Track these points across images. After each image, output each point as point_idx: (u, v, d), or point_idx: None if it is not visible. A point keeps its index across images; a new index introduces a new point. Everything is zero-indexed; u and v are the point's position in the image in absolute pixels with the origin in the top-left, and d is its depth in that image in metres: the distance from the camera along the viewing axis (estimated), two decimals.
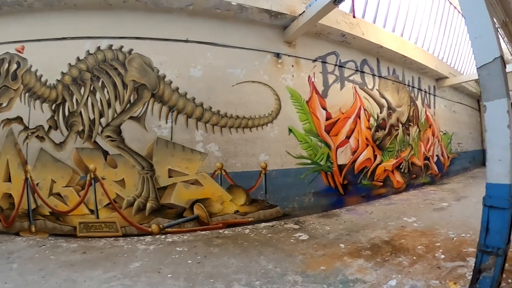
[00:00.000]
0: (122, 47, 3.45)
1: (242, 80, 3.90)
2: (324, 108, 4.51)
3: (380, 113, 5.40)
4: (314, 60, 4.56)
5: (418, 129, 6.54)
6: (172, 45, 3.61)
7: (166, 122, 3.51)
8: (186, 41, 3.68)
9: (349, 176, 4.70)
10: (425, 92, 7.04)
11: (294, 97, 4.27)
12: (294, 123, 4.21)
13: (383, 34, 5.31)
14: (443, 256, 2.50)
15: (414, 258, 2.50)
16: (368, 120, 5.12)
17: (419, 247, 2.75)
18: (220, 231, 3.55)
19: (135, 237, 3.28)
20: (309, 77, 4.45)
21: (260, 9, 3.78)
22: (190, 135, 3.59)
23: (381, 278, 2.14)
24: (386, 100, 5.59)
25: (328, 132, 4.47)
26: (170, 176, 3.46)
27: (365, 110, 5.08)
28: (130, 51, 3.46)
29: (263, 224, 3.78)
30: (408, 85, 6.40)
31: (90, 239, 3.23)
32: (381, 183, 5.29)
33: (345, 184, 4.63)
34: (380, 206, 4.64)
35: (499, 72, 1.75)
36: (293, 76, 4.31)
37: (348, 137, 4.70)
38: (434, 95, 7.46)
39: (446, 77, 7.38)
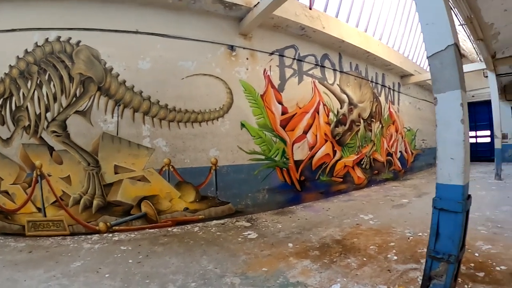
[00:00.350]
0: (70, 38, 3.38)
1: (193, 73, 3.91)
2: (280, 103, 4.65)
3: (341, 108, 5.70)
4: (271, 53, 4.67)
5: (380, 125, 7.00)
6: (121, 36, 3.57)
7: (112, 117, 3.48)
8: (136, 32, 3.64)
9: (306, 172, 4.91)
10: (389, 88, 7.54)
11: (248, 91, 4.36)
12: (247, 117, 4.30)
13: (346, 28, 5.57)
14: (395, 258, 2.49)
15: (364, 259, 2.49)
16: (328, 115, 5.37)
17: (371, 247, 2.76)
18: (169, 229, 3.59)
19: (83, 236, 3.31)
20: (264, 70, 4.56)
21: (214, 0, 3.80)
22: (136, 130, 3.57)
23: (325, 282, 2.10)
24: (347, 96, 5.91)
25: (284, 127, 4.63)
26: (116, 173, 3.44)
27: (324, 105, 5.33)
28: (78, 43, 3.40)
29: (214, 222, 3.85)
30: (372, 81, 6.80)
31: (38, 238, 3.23)
32: (341, 179, 5.61)
33: (302, 180, 4.84)
34: (338, 202, 4.89)
35: (452, 61, 1.65)
36: (247, 69, 4.39)
37: (305, 132, 4.91)
38: (399, 92, 8.02)
39: (411, 74, 7.95)
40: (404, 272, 2.21)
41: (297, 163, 4.78)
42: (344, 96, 5.82)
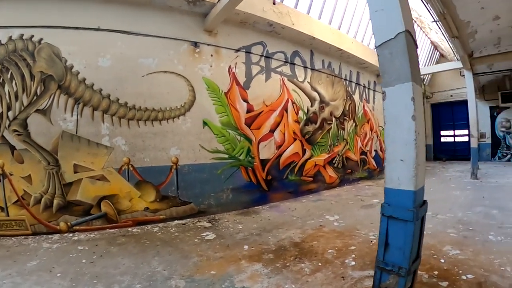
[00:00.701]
0: (32, 36, 3.44)
1: (154, 70, 4.01)
2: (245, 100, 4.83)
3: (311, 106, 5.97)
4: (237, 50, 4.82)
5: (354, 124, 7.39)
6: (82, 34, 3.64)
7: (72, 115, 3.56)
8: (98, 29, 3.72)
9: (273, 171, 5.14)
10: (364, 87, 7.94)
11: (211, 88, 4.49)
12: (209, 115, 4.44)
13: (317, 25, 5.82)
14: (353, 263, 2.48)
15: (319, 264, 2.49)
16: (297, 114, 5.62)
17: (330, 250, 2.77)
18: (129, 229, 3.70)
19: (44, 236, 3.43)
20: (230, 67, 4.70)
21: None
22: (95, 129, 3.67)
23: None
24: (319, 94, 6.19)
25: (249, 125, 4.81)
26: (75, 172, 3.54)
27: (293, 103, 5.57)
28: (40, 41, 3.47)
29: (175, 222, 3.97)
30: (345, 79, 7.15)
31: (1, 237, 3.31)
32: (311, 178, 5.89)
33: (269, 179, 5.06)
34: (307, 202, 5.10)
35: (403, 50, 1.57)
36: (211, 66, 4.51)
37: (272, 131, 5.12)
38: (374, 90, 8.46)
39: None
40: (359, 280, 2.17)
41: (264, 162, 4.98)
42: (315, 94, 6.09)
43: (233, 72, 4.72)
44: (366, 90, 8.05)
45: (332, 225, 3.64)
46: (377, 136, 8.48)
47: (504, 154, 10.22)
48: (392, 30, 1.62)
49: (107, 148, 3.72)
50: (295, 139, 5.52)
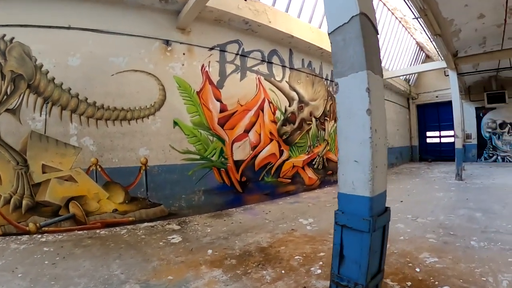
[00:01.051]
0: (4, 35, 3.55)
1: (124, 69, 4.15)
2: (219, 100, 5.01)
3: (289, 106, 6.23)
4: (211, 48, 4.99)
5: (335, 124, 7.71)
6: (53, 32, 3.79)
7: (41, 115, 3.70)
8: (69, 28, 3.86)
9: (248, 172, 5.35)
10: None
11: (183, 87, 4.65)
12: (180, 115, 4.60)
13: (296, 23, 6.06)
14: (319, 271, 2.46)
15: (283, 272, 2.48)
16: (274, 113, 5.86)
17: (297, 257, 2.75)
18: (97, 231, 3.83)
19: (14, 236, 3.53)
20: (202, 66, 4.88)
21: None
22: (64, 128, 3.81)
23: None
24: (298, 93, 6.46)
25: (222, 125, 4.99)
26: (44, 172, 3.67)
27: (270, 102, 5.80)
28: (11, 40, 3.58)
29: (144, 224, 4.11)
30: (326, 79, 7.47)
31: None
32: (289, 180, 6.14)
33: (244, 181, 5.26)
34: (283, 204, 5.29)
35: (357, 35, 1.48)
36: (183, 64, 4.67)
37: (247, 131, 5.33)
38: None
39: None
40: None
41: (238, 163, 5.19)
42: (293, 94, 6.36)
43: (206, 71, 4.90)
44: None
45: (304, 229, 3.71)
46: None
47: (490, 155, 10.85)
48: (345, 13, 1.52)
49: (75, 148, 3.86)
50: (271, 140, 5.74)
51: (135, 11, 4.30)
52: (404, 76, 12.01)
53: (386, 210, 1.67)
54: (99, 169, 3.97)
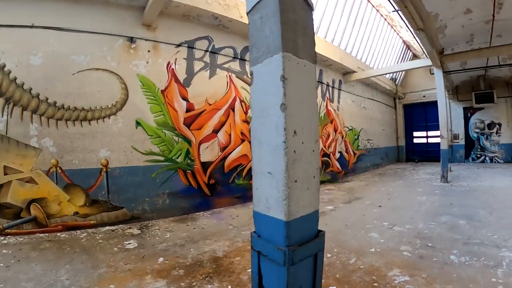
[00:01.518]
0: None
1: (85, 67, 4.32)
2: (185, 99, 5.21)
3: None
4: (178, 45, 5.15)
5: None
6: (16, 31, 3.96)
7: (2, 115, 3.85)
8: (32, 26, 4.03)
9: (217, 174, 5.57)
10: (327, 85, 8.60)
11: (146, 86, 4.83)
12: (143, 115, 4.77)
13: None
14: None
15: (229, 287, 2.46)
16: (246, 113, 6.11)
17: (249, 270, 2.67)
18: (58, 234, 4.02)
19: None
20: (168, 63, 5.05)
21: None
22: (24, 129, 3.98)
23: None
24: None
25: (188, 125, 5.20)
26: (5, 173, 3.84)
27: (242, 101, 6.04)
28: None
29: (106, 228, 4.28)
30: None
31: None
32: None
33: (212, 183, 5.50)
34: None
35: (274, 11, 1.30)
36: (147, 62, 4.83)
37: (216, 131, 5.55)
38: (339, 89, 9.16)
39: (354, 71, 9.19)
40: None
41: (206, 165, 5.41)
42: None
43: (172, 69, 5.09)
44: (330, 89, 8.72)
45: None
46: (342, 137, 9.21)
47: (478, 155, 11.41)
48: None
49: (35, 150, 4.04)
50: (243, 140, 5.99)
51: (100, 8, 4.46)
52: (390, 75, 12.40)
53: (318, 235, 1.43)
54: (59, 171, 4.15)
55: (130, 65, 4.69)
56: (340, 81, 9.16)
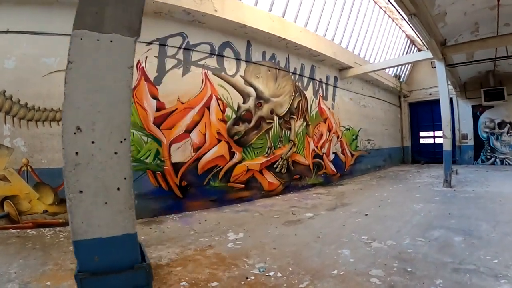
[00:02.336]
0: None
1: (56, 69, 4.47)
2: (155, 97, 5.19)
3: (244, 103, 6.38)
4: (149, 43, 5.16)
5: (305, 123, 7.85)
6: None
7: None
8: (7, 31, 4.33)
9: (190, 176, 5.52)
10: (320, 82, 8.40)
11: None
12: None
13: (250, 11, 6.10)
14: None
15: None
16: (223, 111, 6.02)
17: (183, 283, 2.64)
18: (28, 230, 4.28)
19: None
20: (138, 62, 5.03)
21: None
22: None
23: None
24: (255, 89, 6.60)
25: (158, 125, 5.20)
26: None
27: (219, 99, 5.95)
28: None
29: None
30: (294, 73, 7.59)
31: None
32: (243, 185, 6.30)
33: (184, 185, 5.46)
34: (228, 213, 5.37)
35: None
36: None
37: (189, 131, 5.51)
38: (335, 86, 8.93)
39: (350, 67, 8.93)
40: None
41: (177, 166, 5.37)
42: (250, 89, 6.50)
43: (142, 67, 5.09)
44: (324, 85, 8.52)
45: (224, 246, 3.66)
46: (338, 138, 8.97)
47: (488, 157, 10.85)
48: None
49: (8, 149, 4.32)
50: (219, 141, 5.92)
51: (71, 10, 4.44)
52: (393, 72, 12.03)
53: (134, 267, 1.26)
54: (30, 170, 4.38)
55: None
56: (335, 77, 8.95)
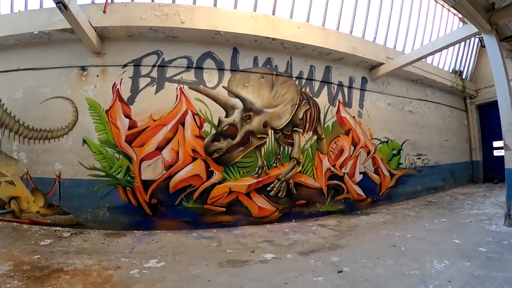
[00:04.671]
0: None
1: (49, 96, 6.18)
2: (128, 116, 6.05)
3: (226, 117, 6.46)
4: (125, 66, 6.20)
5: (316, 137, 7.17)
6: (8, 75, 6.39)
7: None
8: (17, 70, 6.36)
9: (160, 194, 6.06)
10: (340, 85, 7.52)
11: (93, 107, 6.03)
12: (89, 134, 5.97)
13: (224, 15, 6.31)
14: None
15: None
16: (200, 127, 6.32)
17: None
18: (24, 225, 6.01)
19: None
20: (114, 84, 6.11)
21: (59, 30, 5.85)
22: (10, 145, 6.21)
23: None
24: (243, 100, 6.58)
25: (130, 142, 6.00)
26: None
27: (195, 114, 6.31)
28: None
29: (58, 228, 5.87)
30: (300, 78, 7.13)
31: None
32: (223, 209, 6.34)
33: (154, 203, 6.03)
34: (190, 238, 5.44)
35: None
36: (95, 86, 6.15)
37: (160, 148, 6.08)
38: (363, 90, 7.81)
39: (381, 63, 7.60)
40: None
41: (147, 183, 6.02)
42: (235, 101, 6.55)
43: (117, 89, 6.09)
44: (345, 90, 7.66)
45: (127, 271, 4.00)
46: (369, 153, 7.70)
47: None
48: None
49: (15, 161, 6.14)
50: (195, 158, 6.22)
51: (60, 46, 6.28)
52: (451, 67, 10.32)
53: None
54: (29, 178, 6.04)
55: (81, 91, 6.10)
56: (363, 78, 7.95)
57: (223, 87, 6.58)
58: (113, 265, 4.20)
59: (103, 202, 5.90)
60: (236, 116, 6.55)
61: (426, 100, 9.61)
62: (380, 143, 8.15)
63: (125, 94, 6.14)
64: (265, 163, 6.71)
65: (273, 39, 6.59)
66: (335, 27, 7.39)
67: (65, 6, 4.81)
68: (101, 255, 4.60)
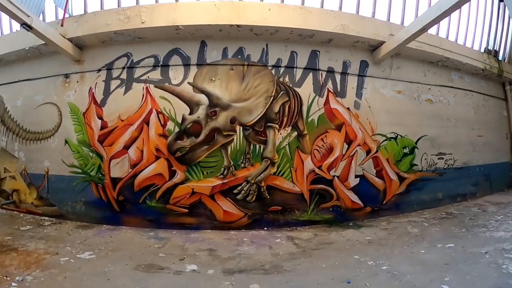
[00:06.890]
0: None
1: (41, 103, 7.98)
2: (100, 118, 7.13)
3: (190, 114, 6.83)
4: (99, 70, 7.38)
5: (296, 133, 6.81)
6: (11, 86, 8.55)
7: (4, 137, 8.43)
8: (18, 81, 8.46)
9: (126, 192, 6.94)
10: (330, 72, 6.93)
11: (73, 111, 7.40)
12: (70, 135, 7.35)
13: (183, 9, 6.76)
14: None
15: None
16: (164, 126, 6.90)
17: None
18: (21, 214, 7.89)
19: None
20: (90, 88, 7.35)
21: (44, 45, 7.27)
22: (12, 146, 8.34)
23: None
24: (209, 95, 6.85)
25: (102, 142, 7.04)
26: (5, 171, 8.33)
27: (159, 113, 6.92)
28: None
29: (46, 218, 7.51)
30: (277, 66, 6.90)
31: None
32: (186, 210, 6.76)
33: (121, 200, 6.90)
34: (146, 239, 6.05)
35: None
36: (75, 91, 7.57)
37: (127, 148, 6.92)
38: (362, 75, 6.96)
39: (382, 42, 6.61)
40: None
41: (116, 180, 6.97)
42: (200, 97, 6.88)
43: (93, 93, 7.30)
44: (338, 77, 7.02)
45: (54, 260, 4.77)
46: (369, 152, 6.80)
47: None
48: None
49: (16, 159, 8.18)
50: (158, 157, 6.82)
51: (50, 57, 7.97)
52: (484, 47, 9.13)
53: None
54: (26, 173, 7.94)
55: (64, 96, 7.62)
56: (363, 62, 7.12)
57: (188, 83, 7.01)
58: (54, 251, 5.29)
59: (80, 196, 7.20)
60: (200, 112, 6.86)
61: (452, 87, 8.60)
62: (386, 139, 7.28)
63: (99, 96, 7.28)
64: (231, 163, 6.82)
65: (238, 26, 6.67)
66: (318, 4, 6.85)
67: (29, 26, 6.14)
68: (56, 242, 5.76)
